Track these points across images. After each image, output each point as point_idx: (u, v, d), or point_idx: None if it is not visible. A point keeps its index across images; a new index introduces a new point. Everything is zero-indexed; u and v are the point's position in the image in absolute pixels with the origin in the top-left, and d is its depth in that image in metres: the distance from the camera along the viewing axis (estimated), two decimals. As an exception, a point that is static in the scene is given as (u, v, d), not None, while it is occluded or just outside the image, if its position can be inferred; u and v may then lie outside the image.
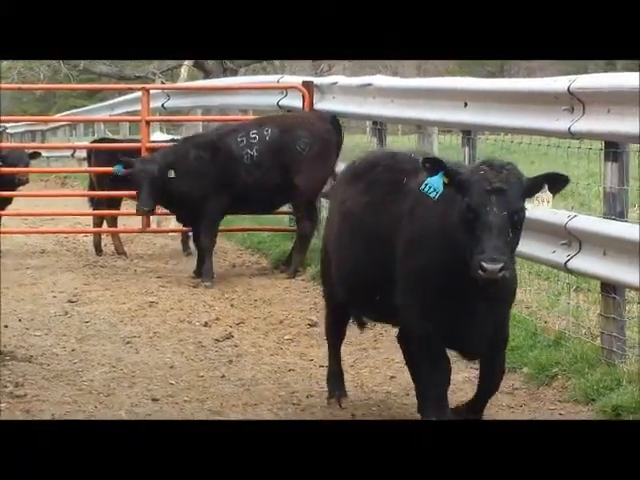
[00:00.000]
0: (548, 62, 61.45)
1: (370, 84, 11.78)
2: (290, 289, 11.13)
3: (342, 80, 12.97)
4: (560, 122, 8.14)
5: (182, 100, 17.35)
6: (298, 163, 11.91)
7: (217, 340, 9.26)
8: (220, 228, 12.25)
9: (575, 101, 7.99)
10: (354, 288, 6.86)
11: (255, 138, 11.94)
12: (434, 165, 5.89)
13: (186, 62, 31.96)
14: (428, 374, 6.32)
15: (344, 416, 7.18)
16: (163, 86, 22.76)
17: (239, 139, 11.94)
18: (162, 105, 17.11)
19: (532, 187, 5.82)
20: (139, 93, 14.82)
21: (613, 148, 7.65)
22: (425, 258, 6.10)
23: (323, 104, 12.94)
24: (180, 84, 25.42)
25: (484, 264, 5.51)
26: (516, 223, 5.70)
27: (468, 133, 9.83)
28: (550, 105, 8.33)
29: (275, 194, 12.04)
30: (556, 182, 5.87)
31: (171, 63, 33.42)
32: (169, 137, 16.10)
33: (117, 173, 11.90)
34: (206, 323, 9.87)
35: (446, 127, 11.22)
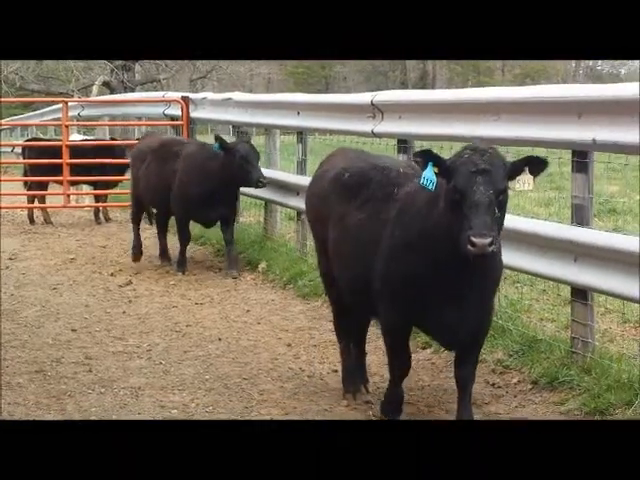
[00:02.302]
0: (361, 81, 53.64)
1: (230, 98, 11.65)
2: (174, 248, 10.91)
3: (210, 95, 12.80)
4: (366, 125, 8.19)
5: (93, 110, 17.03)
6: None
7: (120, 286, 9.09)
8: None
9: (376, 110, 8.05)
10: (354, 293, 5.45)
11: None
12: (423, 158, 4.60)
13: (96, 82, 31.19)
14: (391, 360, 5.24)
15: (211, 338, 7.15)
16: (79, 99, 22.27)
17: None
18: (78, 114, 16.82)
19: (514, 169, 4.55)
20: (61, 105, 14.52)
21: (403, 144, 7.73)
22: (407, 255, 4.81)
23: (197, 113, 12.77)
24: (92, 98, 24.87)
25: (474, 239, 4.26)
26: (501, 203, 4.44)
27: (301, 134, 9.83)
28: (359, 113, 8.36)
29: None
30: (536, 165, 4.60)
31: (86, 82, 32.57)
32: (83, 137, 15.79)
33: (216, 150, 9.39)
34: (112, 274, 9.68)
35: (285, 130, 11.19)
